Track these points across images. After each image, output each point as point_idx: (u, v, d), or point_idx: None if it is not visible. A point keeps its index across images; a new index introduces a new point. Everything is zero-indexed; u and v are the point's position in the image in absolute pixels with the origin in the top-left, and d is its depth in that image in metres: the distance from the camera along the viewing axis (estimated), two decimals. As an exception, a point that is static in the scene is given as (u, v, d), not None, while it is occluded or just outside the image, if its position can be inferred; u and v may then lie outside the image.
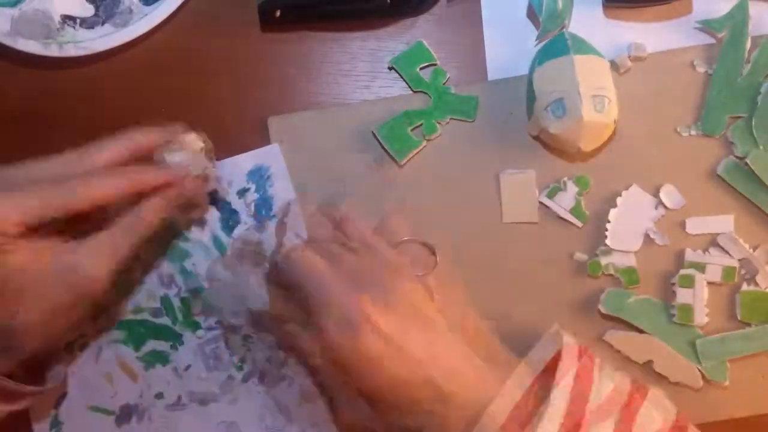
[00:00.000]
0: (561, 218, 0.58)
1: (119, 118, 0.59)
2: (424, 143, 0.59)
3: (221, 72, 0.61)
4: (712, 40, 0.59)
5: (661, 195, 0.58)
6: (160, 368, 0.59)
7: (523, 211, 0.59)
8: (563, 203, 0.58)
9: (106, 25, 0.60)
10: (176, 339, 0.60)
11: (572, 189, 0.58)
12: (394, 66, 0.60)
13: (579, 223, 0.58)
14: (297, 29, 0.61)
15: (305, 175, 0.60)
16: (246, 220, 0.60)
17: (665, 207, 0.58)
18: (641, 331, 0.57)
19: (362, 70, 0.61)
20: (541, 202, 0.58)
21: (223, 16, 0.61)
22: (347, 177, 0.59)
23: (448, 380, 0.46)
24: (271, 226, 0.60)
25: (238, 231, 0.60)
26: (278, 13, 0.59)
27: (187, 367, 0.59)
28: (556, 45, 0.56)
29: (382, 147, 0.59)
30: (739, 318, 0.57)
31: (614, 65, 0.58)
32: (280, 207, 0.60)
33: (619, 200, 0.58)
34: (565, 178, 0.58)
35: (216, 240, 0.60)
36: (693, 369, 0.57)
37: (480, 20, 0.60)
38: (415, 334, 0.47)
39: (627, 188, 0.58)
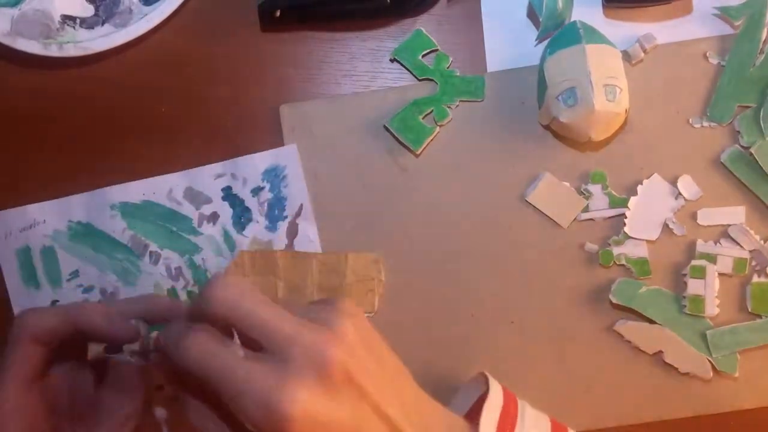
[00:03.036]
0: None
1: (119, 119, 0.59)
2: (438, 129, 0.57)
3: (221, 72, 0.59)
4: (722, 33, 0.57)
5: (679, 185, 0.56)
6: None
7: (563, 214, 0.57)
8: (599, 205, 0.56)
9: (106, 25, 0.58)
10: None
11: (596, 189, 0.56)
12: (396, 57, 0.58)
13: (627, 211, 0.56)
14: (297, 29, 0.59)
15: (316, 164, 0.58)
16: (258, 219, 0.58)
17: (684, 198, 0.56)
18: (652, 322, 0.55)
19: (362, 70, 0.59)
20: (582, 219, 0.57)
21: (223, 16, 0.59)
22: (361, 166, 0.58)
23: None
24: (283, 226, 0.58)
25: (250, 228, 0.58)
26: (278, 13, 0.57)
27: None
28: (568, 34, 0.54)
29: (396, 139, 0.57)
30: (749, 309, 0.55)
31: (627, 56, 0.56)
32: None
33: (639, 188, 0.56)
34: (582, 185, 0.56)
35: (227, 236, 0.58)
36: (703, 360, 0.55)
37: (480, 20, 0.59)
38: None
39: (649, 177, 0.56)
